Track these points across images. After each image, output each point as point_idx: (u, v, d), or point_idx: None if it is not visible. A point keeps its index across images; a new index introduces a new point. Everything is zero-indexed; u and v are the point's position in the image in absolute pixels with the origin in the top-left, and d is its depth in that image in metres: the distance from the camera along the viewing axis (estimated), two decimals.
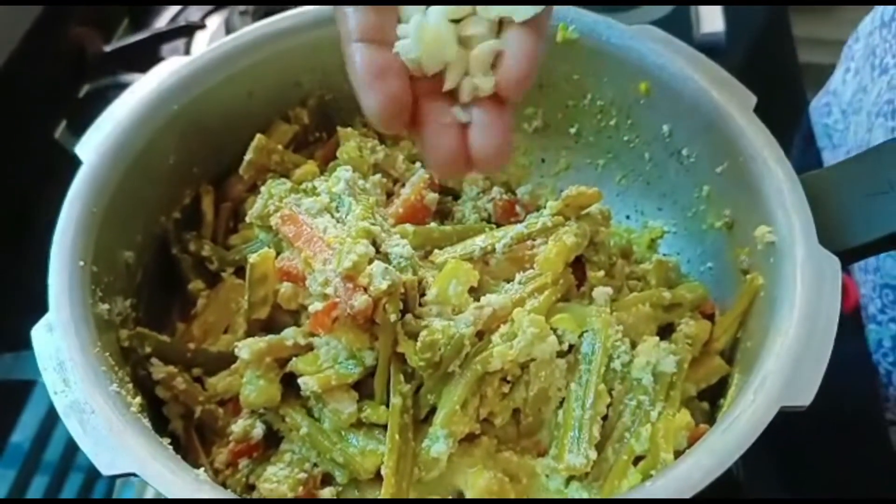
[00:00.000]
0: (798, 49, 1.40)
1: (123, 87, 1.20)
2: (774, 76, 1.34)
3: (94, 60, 1.24)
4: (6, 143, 1.08)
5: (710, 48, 1.34)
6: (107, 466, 0.51)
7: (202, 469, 0.55)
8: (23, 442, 0.89)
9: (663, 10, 1.37)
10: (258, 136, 0.77)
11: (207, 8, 1.26)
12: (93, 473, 0.86)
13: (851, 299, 1.09)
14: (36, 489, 0.86)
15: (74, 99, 1.19)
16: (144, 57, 1.19)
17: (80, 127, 1.16)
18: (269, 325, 0.70)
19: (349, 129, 0.82)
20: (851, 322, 1.08)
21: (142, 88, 0.72)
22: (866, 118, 0.99)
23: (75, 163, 0.70)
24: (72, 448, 0.88)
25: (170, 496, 0.50)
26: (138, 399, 0.59)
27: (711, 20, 1.34)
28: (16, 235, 1.04)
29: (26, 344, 0.91)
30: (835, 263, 0.60)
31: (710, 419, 0.68)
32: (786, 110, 1.30)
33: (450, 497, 0.66)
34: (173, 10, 1.29)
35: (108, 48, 1.20)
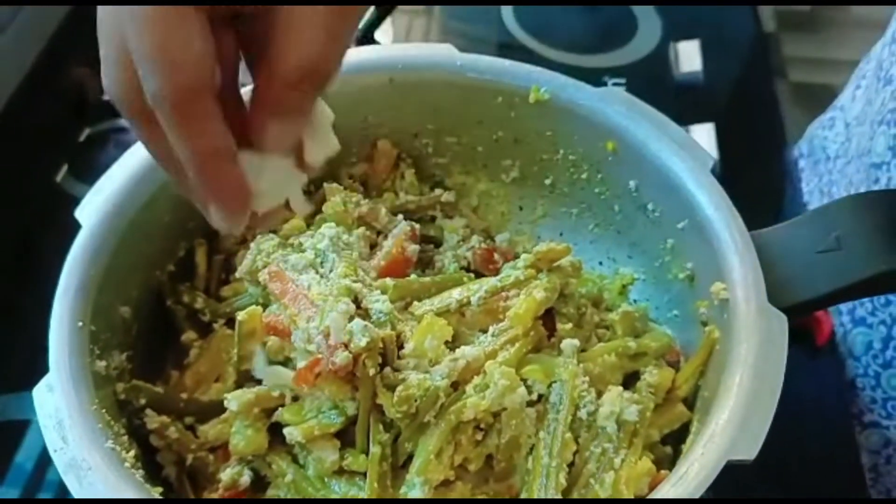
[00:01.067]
0: (788, 69, 1.45)
1: (124, 130, 1.24)
2: (753, 110, 1.39)
3: (96, 104, 1.28)
4: (7, 186, 1.12)
5: (689, 86, 1.39)
6: None
7: None
8: (26, 462, 0.92)
9: (645, 50, 1.42)
10: None
11: None
12: None
13: (825, 333, 1.14)
14: None
15: (76, 142, 1.24)
16: None
17: (81, 170, 1.21)
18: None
19: (334, 185, 0.86)
20: (825, 352, 1.13)
21: (140, 150, 0.76)
22: (869, 127, 1.02)
23: (77, 205, 0.73)
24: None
25: None
26: (132, 452, 0.63)
27: (690, 60, 1.39)
28: (17, 277, 1.09)
29: (23, 385, 0.96)
30: (783, 322, 0.64)
31: (672, 462, 0.72)
32: (765, 144, 1.35)
33: None
34: None
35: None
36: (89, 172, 0.78)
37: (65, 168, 1.21)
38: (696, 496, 0.56)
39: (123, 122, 1.22)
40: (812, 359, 1.09)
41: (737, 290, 0.67)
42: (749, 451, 0.58)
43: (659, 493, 0.57)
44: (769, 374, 0.61)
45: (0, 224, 1.10)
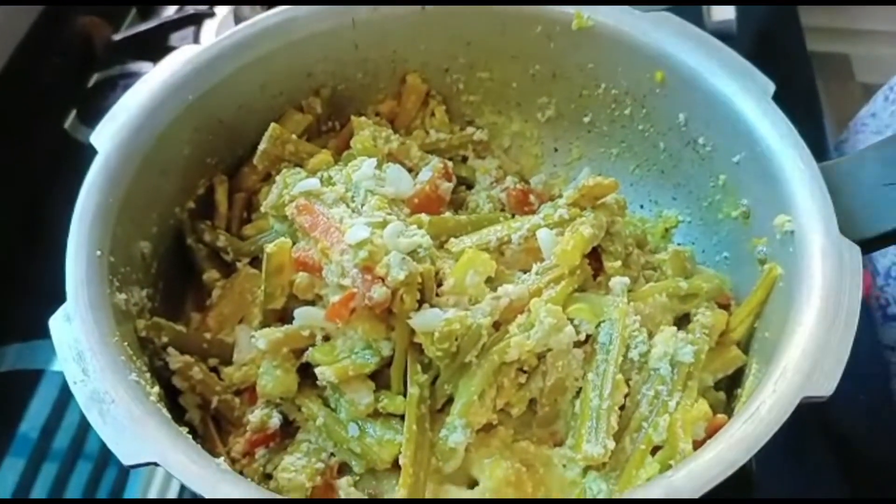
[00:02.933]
0: (806, 38, 1.39)
1: (132, 76, 1.20)
2: (785, 63, 1.33)
3: (103, 50, 1.23)
4: (16, 133, 1.08)
5: (720, 36, 1.33)
6: (128, 456, 0.51)
7: (222, 458, 0.55)
8: (31, 431, 0.89)
9: None
10: (273, 125, 0.77)
11: None
12: (101, 461, 0.87)
13: (866, 290, 1.09)
14: (45, 478, 0.86)
15: (84, 89, 1.19)
16: (153, 46, 1.18)
17: (89, 117, 1.16)
18: (285, 316, 0.70)
19: (363, 119, 0.81)
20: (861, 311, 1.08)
21: (155, 77, 0.71)
22: None
23: (86, 153, 0.69)
24: (80, 437, 0.88)
25: (191, 486, 0.50)
26: (156, 389, 0.59)
27: (722, 8, 1.33)
28: (26, 226, 1.04)
29: (35, 334, 0.91)
30: (856, 253, 0.60)
31: (727, 409, 0.68)
32: (797, 97, 1.29)
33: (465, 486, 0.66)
34: None
35: (116, 37, 1.19)
36: (97, 118, 0.75)
37: (73, 114, 1.16)
38: (769, 435, 0.52)
39: (131, 67, 1.20)
40: None
41: (804, 221, 0.63)
42: (825, 387, 0.54)
43: (730, 431, 0.53)
44: (844, 307, 0.57)
45: (9, 171, 1.05)
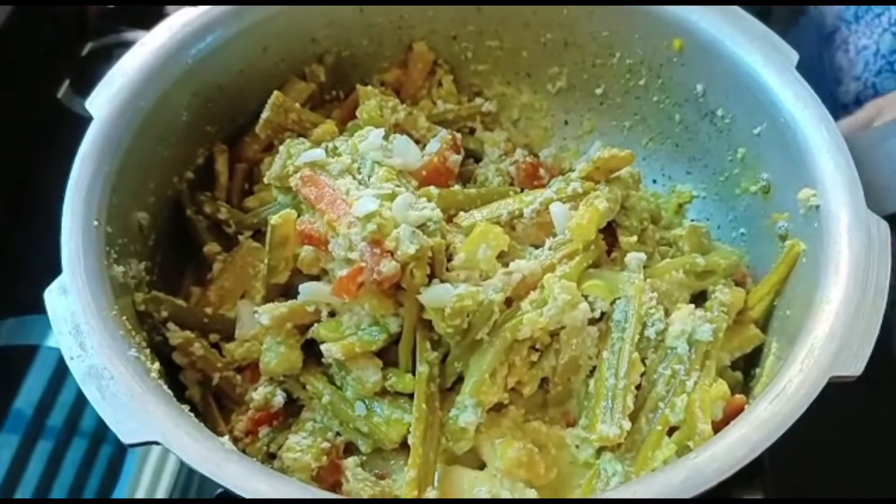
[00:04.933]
0: None
1: (127, 45, 1.15)
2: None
3: (97, 18, 1.19)
4: (8, 102, 1.05)
5: None
6: (128, 435, 0.49)
7: (226, 437, 0.53)
8: (26, 408, 0.87)
9: None
10: (276, 93, 0.74)
11: None
12: (97, 438, 0.84)
13: None
14: (39, 455, 0.84)
15: (77, 58, 1.15)
16: (149, 13, 1.14)
17: (83, 86, 1.12)
18: (289, 291, 0.68)
19: (369, 88, 0.78)
20: None
21: (153, 41, 0.68)
22: None
23: (80, 122, 0.66)
24: (76, 414, 0.86)
25: (194, 466, 0.48)
26: (157, 365, 0.57)
27: None
28: (18, 198, 1.01)
29: (29, 308, 0.89)
30: (884, 228, 0.58)
31: (744, 389, 0.66)
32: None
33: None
34: None
35: (110, 5, 1.15)
36: (91, 87, 0.73)
37: (66, 84, 1.13)
38: (796, 416, 0.50)
39: (126, 35, 1.16)
40: None
41: (829, 195, 0.60)
42: (854, 366, 0.52)
43: (755, 412, 0.51)
44: (872, 283, 0.55)
45: (3, 142, 1.02)
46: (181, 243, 0.75)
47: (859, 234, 0.57)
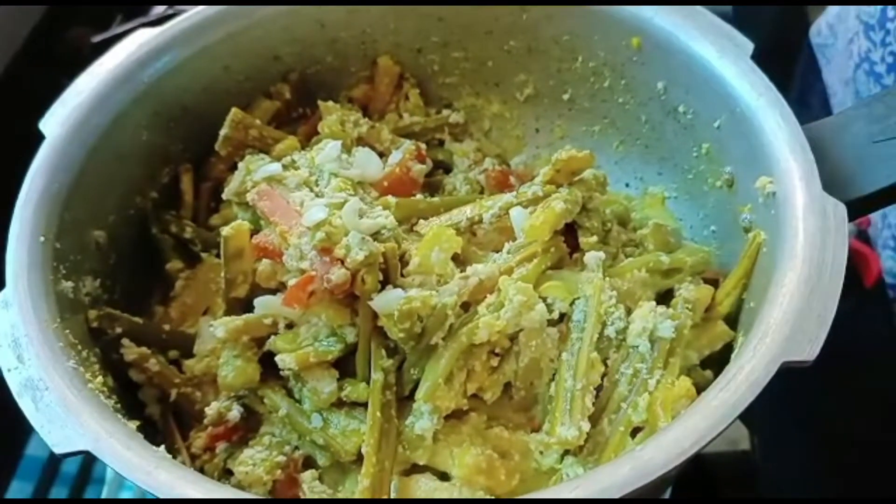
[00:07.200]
0: None
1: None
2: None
3: (84, 53, 1.22)
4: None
5: None
6: (58, 444, 0.49)
7: (162, 447, 0.52)
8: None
9: None
10: (234, 109, 0.74)
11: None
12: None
13: (873, 272, 1.04)
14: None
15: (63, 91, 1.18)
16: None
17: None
18: (249, 306, 0.67)
19: (330, 103, 0.79)
20: (875, 295, 1.03)
21: (108, 61, 0.69)
22: (854, 22, 0.97)
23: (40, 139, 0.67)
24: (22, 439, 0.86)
25: (124, 473, 0.47)
26: (100, 379, 0.56)
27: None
28: None
29: None
30: (841, 210, 0.55)
31: None
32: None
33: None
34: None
35: (95, 39, 1.18)
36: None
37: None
38: (746, 403, 0.48)
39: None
40: (859, 303, 1.00)
41: (785, 180, 0.58)
42: (807, 351, 0.49)
43: (705, 400, 0.49)
44: (828, 265, 0.53)
45: None
46: (148, 263, 0.75)
47: (814, 216, 0.55)
